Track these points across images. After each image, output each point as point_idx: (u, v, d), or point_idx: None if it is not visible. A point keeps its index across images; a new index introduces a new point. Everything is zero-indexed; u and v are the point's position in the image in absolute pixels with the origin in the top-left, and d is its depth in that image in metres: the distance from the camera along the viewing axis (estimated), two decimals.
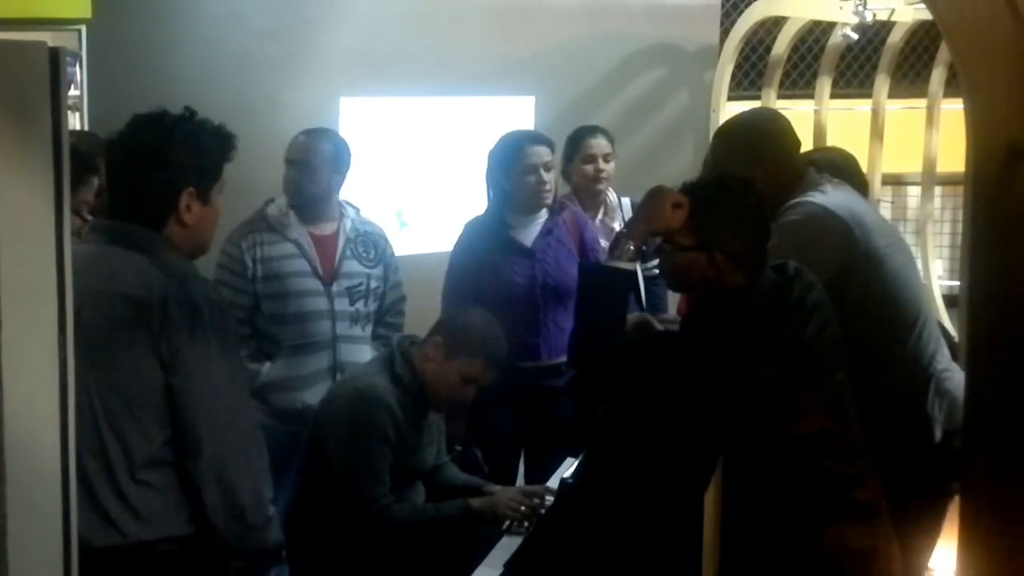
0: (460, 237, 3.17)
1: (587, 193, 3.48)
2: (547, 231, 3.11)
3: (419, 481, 2.63)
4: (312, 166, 2.95)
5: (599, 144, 3.47)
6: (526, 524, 2.44)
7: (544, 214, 3.12)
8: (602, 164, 3.45)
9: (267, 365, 2.87)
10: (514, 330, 3.02)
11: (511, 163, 3.06)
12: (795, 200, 2.25)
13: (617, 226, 3.47)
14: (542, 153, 3.05)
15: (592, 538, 1.83)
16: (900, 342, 2.27)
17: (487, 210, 3.15)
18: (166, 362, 1.68)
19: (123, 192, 1.80)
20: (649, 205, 2.00)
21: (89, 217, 2.38)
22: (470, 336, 2.49)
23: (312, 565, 2.48)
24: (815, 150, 3.52)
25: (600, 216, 3.51)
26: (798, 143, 2.45)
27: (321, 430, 2.51)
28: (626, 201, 3.58)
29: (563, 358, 3.11)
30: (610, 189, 3.53)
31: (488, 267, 3.05)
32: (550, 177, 3.06)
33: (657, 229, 1.99)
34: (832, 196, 2.26)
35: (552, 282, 3.08)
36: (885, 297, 2.27)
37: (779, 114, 2.44)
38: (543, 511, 2.45)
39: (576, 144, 3.50)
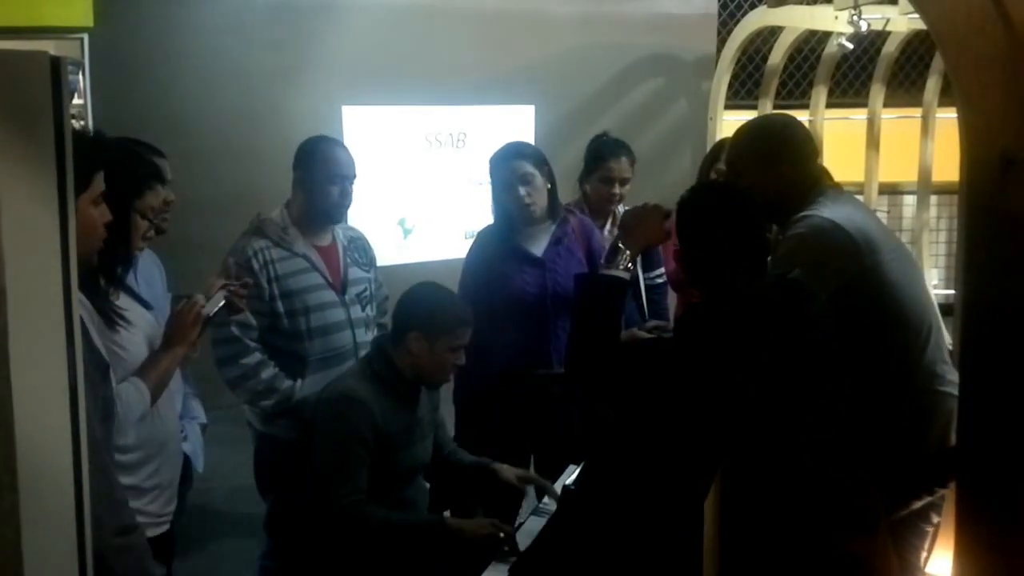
0: (472, 247, 3.19)
1: (598, 206, 3.50)
2: (556, 240, 3.12)
3: (420, 478, 2.64)
4: (354, 180, 2.96)
5: (621, 168, 3.45)
6: (505, 548, 2.43)
7: (551, 223, 3.13)
8: (618, 188, 3.46)
9: (299, 382, 2.83)
10: (525, 338, 3.04)
11: (493, 177, 3.09)
12: (804, 213, 2.26)
13: None
14: (517, 167, 3.03)
15: (594, 545, 1.84)
16: (905, 353, 2.28)
17: (494, 221, 3.17)
18: None
19: None
20: (643, 219, 2.02)
21: (155, 221, 2.34)
22: (440, 316, 2.54)
23: (306, 565, 2.50)
24: None
25: (609, 226, 3.54)
26: (815, 151, 2.45)
27: (311, 434, 2.53)
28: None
29: None
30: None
31: (499, 277, 3.06)
32: (527, 190, 3.03)
33: (654, 242, 2.01)
34: (840, 209, 2.26)
35: (562, 291, 3.08)
36: (890, 310, 2.27)
37: (796, 121, 2.41)
38: (545, 519, 2.46)
39: (599, 160, 3.48)
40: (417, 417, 2.59)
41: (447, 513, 2.67)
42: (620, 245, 2.05)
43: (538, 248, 3.09)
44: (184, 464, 2.51)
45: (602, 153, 3.48)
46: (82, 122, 4.35)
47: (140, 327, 2.18)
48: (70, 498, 1.17)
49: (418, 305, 2.59)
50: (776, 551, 1.87)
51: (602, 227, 3.52)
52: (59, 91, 1.15)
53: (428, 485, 2.70)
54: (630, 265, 2.05)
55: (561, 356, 3.08)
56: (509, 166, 3.05)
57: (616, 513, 1.83)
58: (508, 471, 2.66)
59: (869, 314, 2.24)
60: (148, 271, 2.59)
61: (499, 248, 3.08)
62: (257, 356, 2.77)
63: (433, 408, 2.71)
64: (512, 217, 3.08)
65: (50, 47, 4.22)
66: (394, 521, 2.47)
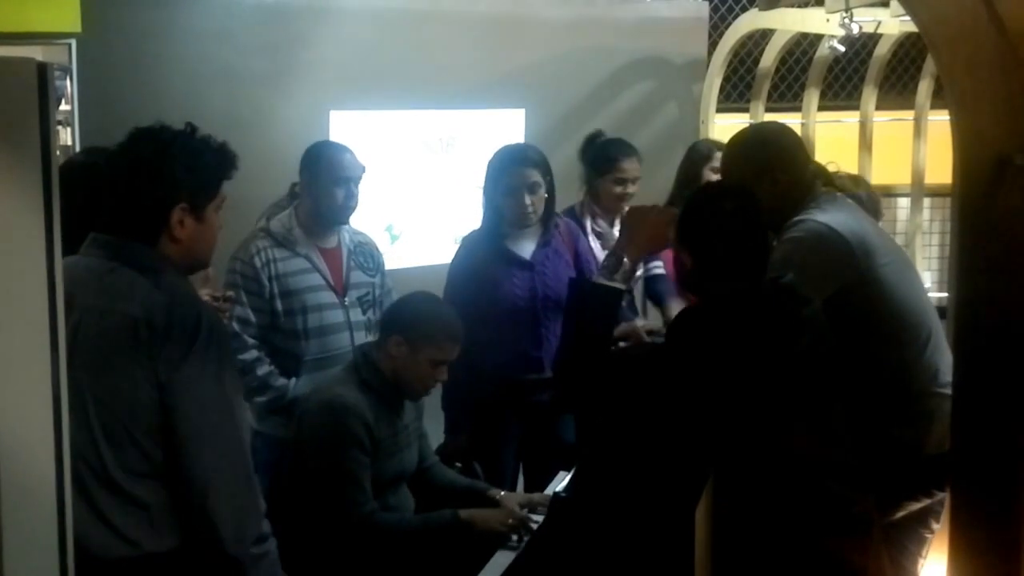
0: (458, 252, 3.17)
1: (610, 206, 3.51)
2: (544, 243, 3.12)
3: (404, 486, 2.62)
4: (359, 181, 2.99)
5: (633, 167, 3.50)
6: (515, 538, 2.43)
7: (539, 226, 3.13)
8: (630, 188, 3.49)
9: (293, 381, 2.86)
10: (516, 343, 3.03)
11: (497, 180, 3.07)
12: (799, 217, 2.26)
13: None
14: (526, 174, 3.04)
15: (584, 553, 1.83)
16: (904, 356, 2.28)
17: (483, 223, 3.15)
18: (162, 382, 1.67)
19: (117, 204, 1.80)
20: (644, 225, 1.99)
21: None
22: (427, 325, 2.51)
23: (298, 564, 2.48)
24: (833, 174, 3.57)
25: (619, 224, 3.55)
26: (808, 158, 2.47)
27: (300, 444, 2.51)
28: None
29: None
30: None
31: (488, 281, 3.05)
32: (532, 199, 3.04)
33: (655, 248, 1.98)
34: (836, 214, 2.26)
35: (552, 294, 3.08)
36: (887, 315, 2.27)
37: (788, 129, 2.44)
38: (535, 525, 2.45)
39: (611, 161, 3.49)
40: (403, 424, 2.58)
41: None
42: (620, 254, 2.01)
43: (526, 251, 3.09)
44: None
45: (613, 154, 3.50)
46: (69, 128, 4.32)
47: None
48: (52, 508, 1.16)
49: (406, 310, 2.57)
50: (769, 560, 1.86)
51: (611, 225, 3.54)
52: (45, 97, 1.13)
53: (413, 499, 2.68)
54: (627, 271, 2.01)
55: (552, 360, 3.07)
56: (518, 172, 3.04)
57: (607, 520, 1.82)
58: (510, 500, 2.61)
59: (867, 317, 2.24)
60: None
61: (487, 252, 3.07)
62: (254, 353, 2.83)
63: (417, 417, 2.69)
64: (502, 220, 3.07)
65: (37, 53, 4.19)
66: (410, 526, 2.46)
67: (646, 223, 2.09)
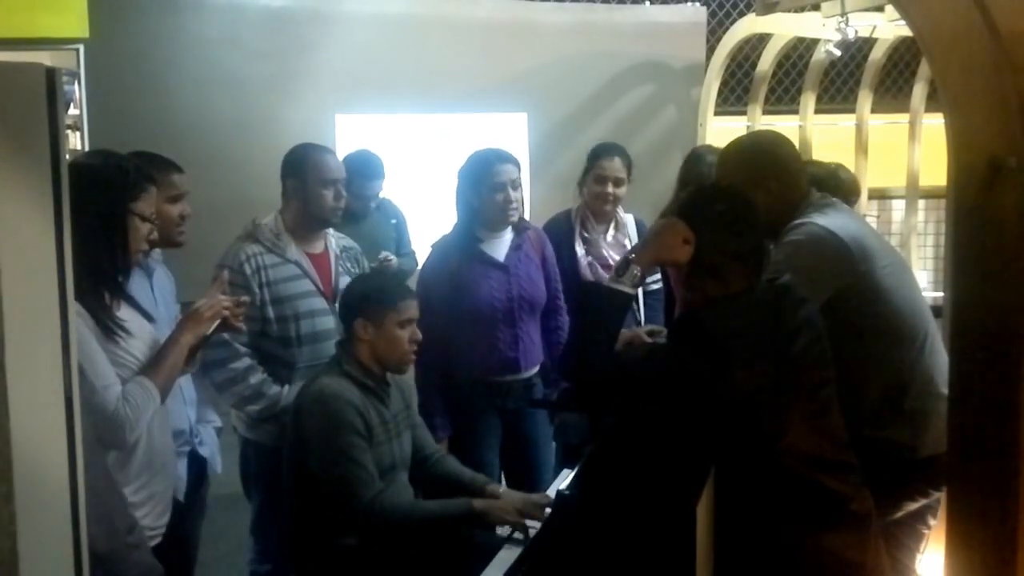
0: (429, 256, 3.20)
1: (594, 207, 3.54)
2: (516, 247, 3.16)
3: (402, 476, 2.64)
4: (344, 181, 3.00)
5: (614, 167, 3.52)
6: (521, 534, 2.46)
7: (510, 231, 3.17)
8: (611, 188, 3.50)
9: (286, 388, 2.83)
10: (493, 344, 3.06)
11: (480, 181, 3.10)
12: (798, 221, 2.28)
13: (627, 243, 3.53)
14: (510, 171, 3.10)
15: (588, 549, 1.84)
16: (902, 357, 2.30)
17: (456, 227, 3.19)
18: None
19: None
20: (660, 235, 2.00)
21: (155, 223, 2.26)
22: (377, 296, 2.60)
23: (314, 569, 2.50)
24: (812, 162, 3.58)
25: (612, 232, 3.58)
26: (803, 165, 2.48)
27: (299, 439, 2.53)
28: (629, 217, 3.65)
29: (535, 370, 3.17)
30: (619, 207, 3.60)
31: (465, 283, 3.07)
32: (516, 196, 3.10)
33: (665, 261, 2.00)
34: (834, 218, 2.28)
35: (527, 296, 3.13)
36: (884, 317, 2.29)
37: (783, 136, 2.45)
38: (540, 522, 2.47)
39: (593, 160, 3.55)
40: (391, 413, 2.61)
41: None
42: (631, 260, 2.03)
43: (500, 254, 3.14)
44: (200, 466, 2.61)
45: (597, 153, 3.55)
46: (77, 132, 4.35)
47: (140, 338, 2.18)
48: (66, 508, 1.18)
49: (354, 295, 2.64)
50: (769, 556, 1.88)
51: (604, 233, 3.56)
52: (54, 102, 1.15)
53: (412, 490, 2.69)
54: (637, 277, 2.01)
55: (527, 361, 3.12)
56: (503, 169, 3.08)
57: (610, 517, 1.84)
58: (510, 495, 2.64)
59: (864, 319, 2.26)
60: (163, 286, 2.61)
61: (462, 255, 3.10)
62: (246, 361, 2.80)
63: (406, 405, 2.71)
64: (477, 224, 3.12)
65: (46, 58, 4.22)
66: (425, 510, 2.49)
67: (663, 232, 2.09)
